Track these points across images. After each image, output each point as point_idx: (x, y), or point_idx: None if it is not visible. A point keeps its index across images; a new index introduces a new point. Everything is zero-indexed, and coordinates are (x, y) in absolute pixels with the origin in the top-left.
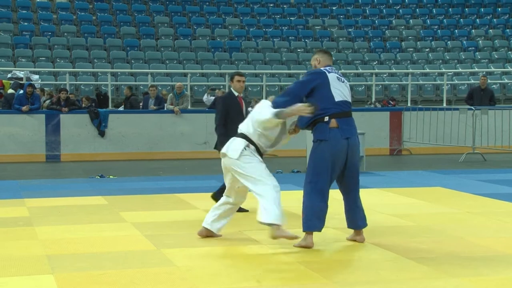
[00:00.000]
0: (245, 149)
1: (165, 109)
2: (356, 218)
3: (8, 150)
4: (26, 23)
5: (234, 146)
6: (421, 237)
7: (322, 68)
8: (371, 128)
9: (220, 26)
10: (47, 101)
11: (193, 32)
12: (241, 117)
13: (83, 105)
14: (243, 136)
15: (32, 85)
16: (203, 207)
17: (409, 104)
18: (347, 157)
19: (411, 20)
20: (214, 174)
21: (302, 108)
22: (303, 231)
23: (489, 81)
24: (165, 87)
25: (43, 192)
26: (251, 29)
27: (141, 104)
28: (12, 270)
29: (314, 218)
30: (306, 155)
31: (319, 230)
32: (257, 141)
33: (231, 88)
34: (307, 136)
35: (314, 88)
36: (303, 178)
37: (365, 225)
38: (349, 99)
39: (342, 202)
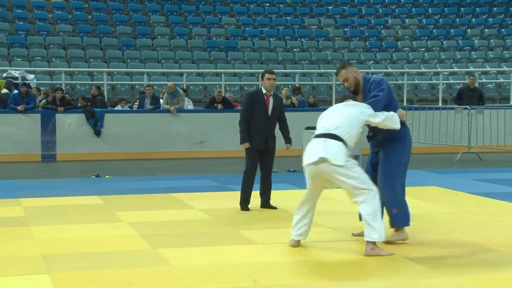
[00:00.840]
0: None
1: (161, 108)
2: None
3: (4, 150)
4: (21, 22)
5: (336, 151)
6: (417, 236)
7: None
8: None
9: (216, 25)
10: (43, 101)
11: (189, 32)
12: (265, 115)
13: (79, 105)
14: (337, 138)
15: (26, 85)
16: (199, 207)
17: (405, 104)
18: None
19: (407, 20)
20: (210, 174)
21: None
22: (398, 226)
23: (484, 80)
24: (161, 87)
25: (39, 192)
26: (247, 29)
27: (136, 103)
28: (8, 270)
29: (408, 213)
30: (301, 154)
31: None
32: (352, 143)
33: (262, 86)
34: (303, 136)
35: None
36: (299, 177)
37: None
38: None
39: (339, 201)
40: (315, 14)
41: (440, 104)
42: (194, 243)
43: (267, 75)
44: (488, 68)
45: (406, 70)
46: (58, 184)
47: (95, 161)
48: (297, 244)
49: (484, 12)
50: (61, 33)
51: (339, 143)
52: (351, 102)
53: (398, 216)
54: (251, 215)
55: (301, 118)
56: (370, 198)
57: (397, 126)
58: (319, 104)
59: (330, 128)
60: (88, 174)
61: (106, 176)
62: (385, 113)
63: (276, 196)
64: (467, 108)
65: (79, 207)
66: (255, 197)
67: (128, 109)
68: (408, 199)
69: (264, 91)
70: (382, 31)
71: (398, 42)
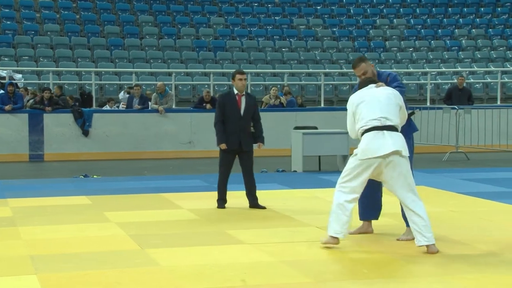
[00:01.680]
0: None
1: (150, 108)
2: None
3: None
4: (9, 22)
5: (403, 143)
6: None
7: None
8: None
9: (204, 25)
10: (31, 100)
11: (177, 32)
12: (237, 115)
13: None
14: (396, 129)
15: (13, 84)
16: (188, 207)
17: None
18: None
19: (395, 20)
20: (199, 174)
21: None
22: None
23: (472, 80)
24: (149, 87)
25: (27, 192)
26: (235, 29)
27: (124, 104)
28: None
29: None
30: (290, 154)
31: None
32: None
33: (233, 87)
34: (292, 136)
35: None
36: (288, 177)
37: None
38: None
39: (327, 200)
40: (303, 14)
41: (428, 104)
42: (182, 243)
43: (238, 76)
44: (476, 68)
45: (395, 70)
46: (46, 184)
47: (83, 161)
48: (331, 241)
49: (471, 12)
50: (48, 33)
51: (401, 135)
52: (382, 85)
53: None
54: (240, 215)
55: (290, 118)
56: (419, 203)
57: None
58: (307, 104)
59: (392, 118)
60: (76, 174)
61: (95, 176)
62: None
63: (264, 196)
64: (454, 108)
65: (67, 207)
66: (243, 198)
67: (117, 109)
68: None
69: (235, 91)
70: (370, 31)
71: (386, 42)
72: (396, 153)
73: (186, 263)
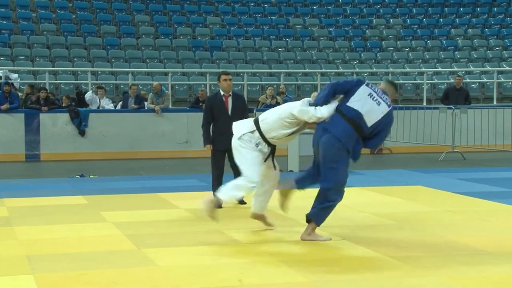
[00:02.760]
0: (250, 133)
1: (146, 108)
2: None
3: None
4: (5, 22)
5: (242, 124)
6: (401, 235)
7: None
8: None
9: (201, 25)
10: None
11: (174, 31)
12: (226, 116)
13: (63, 104)
14: (255, 120)
15: (8, 84)
16: (185, 207)
17: None
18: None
19: (391, 20)
20: (195, 174)
21: None
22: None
23: (468, 80)
24: (146, 86)
25: (23, 192)
26: (232, 28)
27: (120, 102)
28: None
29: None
30: (287, 153)
31: None
32: (270, 131)
33: (220, 88)
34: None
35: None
36: (284, 177)
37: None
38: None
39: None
40: (299, 14)
41: (424, 103)
42: (179, 243)
43: (223, 76)
44: (472, 68)
45: (391, 70)
46: (42, 184)
47: (80, 161)
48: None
49: (467, 12)
50: (45, 32)
51: (251, 123)
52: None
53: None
54: (236, 215)
55: None
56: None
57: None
58: None
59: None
60: (73, 174)
61: (91, 176)
62: (319, 110)
63: None
64: (451, 108)
65: (64, 207)
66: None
67: (113, 108)
68: (392, 198)
69: (222, 92)
70: (367, 31)
71: (383, 42)
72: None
73: (182, 262)
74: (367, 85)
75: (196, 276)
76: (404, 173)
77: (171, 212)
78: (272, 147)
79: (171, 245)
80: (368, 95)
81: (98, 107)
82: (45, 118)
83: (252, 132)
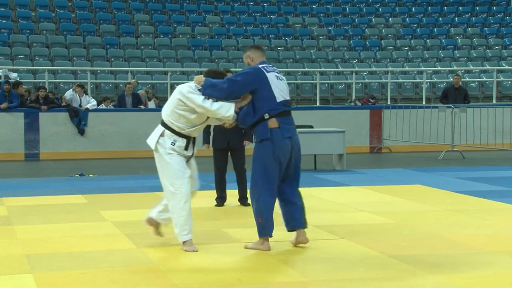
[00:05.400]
0: (161, 138)
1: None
2: (298, 217)
3: None
4: (4, 21)
5: (152, 133)
6: (401, 234)
7: (260, 66)
8: (351, 126)
9: (200, 24)
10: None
11: (173, 30)
12: None
13: (63, 103)
14: (161, 121)
15: (8, 82)
16: None
17: (389, 102)
18: (291, 156)
19: (390, 19)
20: None
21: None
22: (261, 236)
23: (467, 79)
24: (145, 85)
25: (22, 191)
26: (231, 27)
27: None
28: None
29: (271, 222)
30: None
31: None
32: (174, 124)
33: None
34: None
35: (254, 90)
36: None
37: (306, 225)
38: (288, 97)
39: (323, 199)
40: (299, 13)
41: (423, 102)
42: (178, 242)
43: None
44: (471, 67)
45: (390, 69)
46: (41, 183)
47: (79, 160)
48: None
49: (467, 11)
50: (44, 32)
51: (159, 127)
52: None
53: (259, 225)
54: (236, 214)
55: None
56: (168, 196)
57: (222, 115)
58: (302, 103)
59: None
60: (72, 173)
61: (90, 175)
62: (210, 102)
63: None
64: (450, 107)
65: (63, 206)
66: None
67: (112, 107)
68: (391, 197)
69: None
70: (366, 30)
71: (382, 41)
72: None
73: (182, 261)
74: (268, 71)
75: (196, 275)
76: (403, 172)
77: None
78: (192, 140)
79: (171, 244)
80: (276, 77)
81: (80, 105)
82: (44, 117)
83: (162, 134)
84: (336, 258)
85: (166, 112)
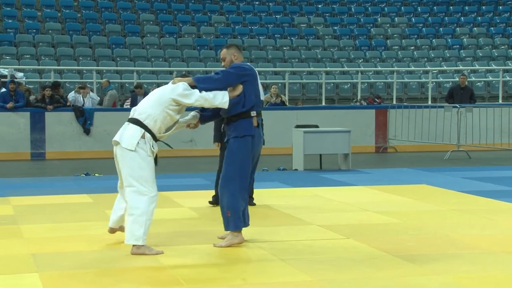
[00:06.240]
0: (141, 140)
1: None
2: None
3: None
4: (10, 21)
5: (129, 134)
6: (406, 234)
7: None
8: (357, 126)
9: (205, 24)
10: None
11: (178, 30)
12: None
13: (68, 103)
14: (137, 122)
15: (14, 82)
16: (189, 205)
17: (394, 102)
18: (258, 156)
19: (396, 18)
20: (200, 172)
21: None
22: (232, 230)
23: (473, 79)
24: (151, 85)
25: (28, 191)
26: (236, 27)
27: (128, 101)
28: None
29: (241, 216)
30: (291, 152)
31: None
32: (156, 125)
33: None
34: (293, 134)
35: (245, 82)
36: (289, 175)
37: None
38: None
39: (329, 199)
40: (304, 13)
41: (429, 102)
42: (183, 241)
43: None
44: (477, 67)
45: (396, 68)
46: (47, 182)
47: (85, 160)
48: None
49: (473, 10)
50: (50, 31)
51: (136, 128)
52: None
53: (230, 219)
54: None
55: (291, 117)
56: (134, 196)
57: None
58: (308, 103)
59: (132, 113)
60: (78, 172)
61: (96, 175)
62: (206, 93)
63: (266, 194)
64: (456, 107)
65: (69, 205)
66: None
67: (120, 107)
68: (397, 197)
69: None
70: (372, 29)
71: (388, 41)
72: (116, 143)
73: (186, 261)
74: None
75: (200, 275)
76: (409, 172)
77: (176, 210)
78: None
79: (176, 244)
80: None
81: (83, 105)
82: (50, 116)
83: (143, 136)
84: (341, 258)
85: (150, 112)
